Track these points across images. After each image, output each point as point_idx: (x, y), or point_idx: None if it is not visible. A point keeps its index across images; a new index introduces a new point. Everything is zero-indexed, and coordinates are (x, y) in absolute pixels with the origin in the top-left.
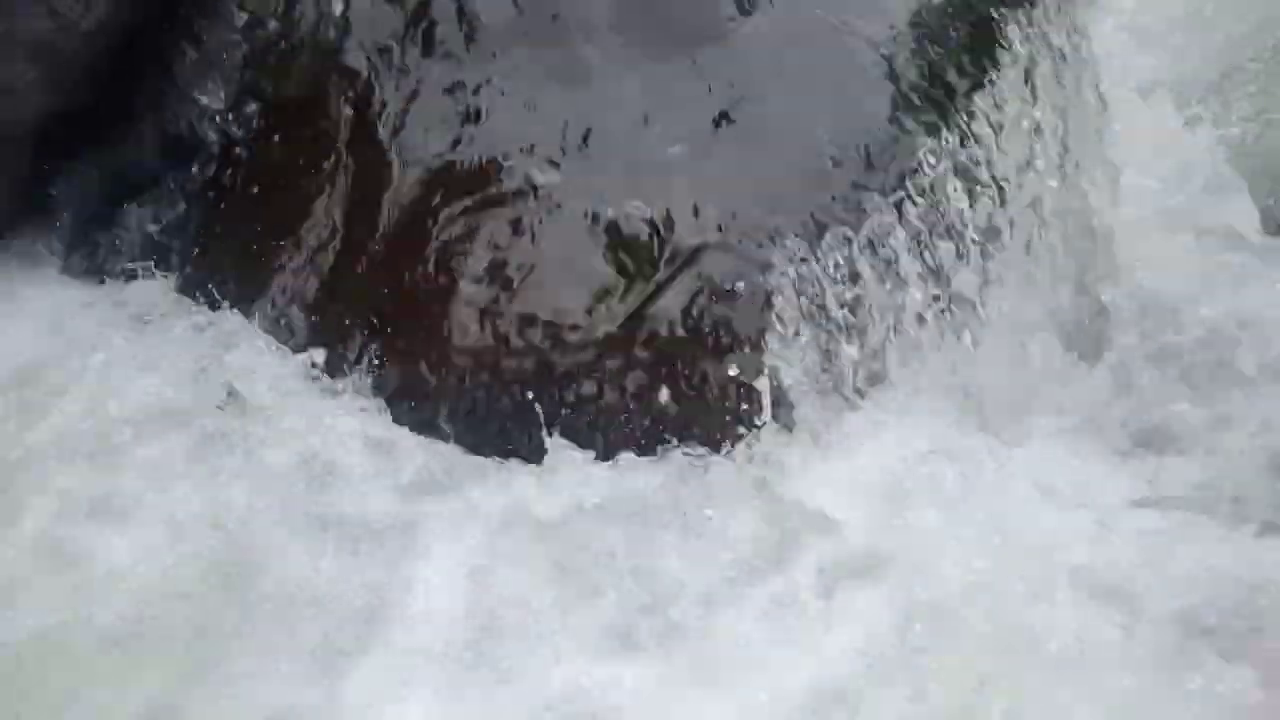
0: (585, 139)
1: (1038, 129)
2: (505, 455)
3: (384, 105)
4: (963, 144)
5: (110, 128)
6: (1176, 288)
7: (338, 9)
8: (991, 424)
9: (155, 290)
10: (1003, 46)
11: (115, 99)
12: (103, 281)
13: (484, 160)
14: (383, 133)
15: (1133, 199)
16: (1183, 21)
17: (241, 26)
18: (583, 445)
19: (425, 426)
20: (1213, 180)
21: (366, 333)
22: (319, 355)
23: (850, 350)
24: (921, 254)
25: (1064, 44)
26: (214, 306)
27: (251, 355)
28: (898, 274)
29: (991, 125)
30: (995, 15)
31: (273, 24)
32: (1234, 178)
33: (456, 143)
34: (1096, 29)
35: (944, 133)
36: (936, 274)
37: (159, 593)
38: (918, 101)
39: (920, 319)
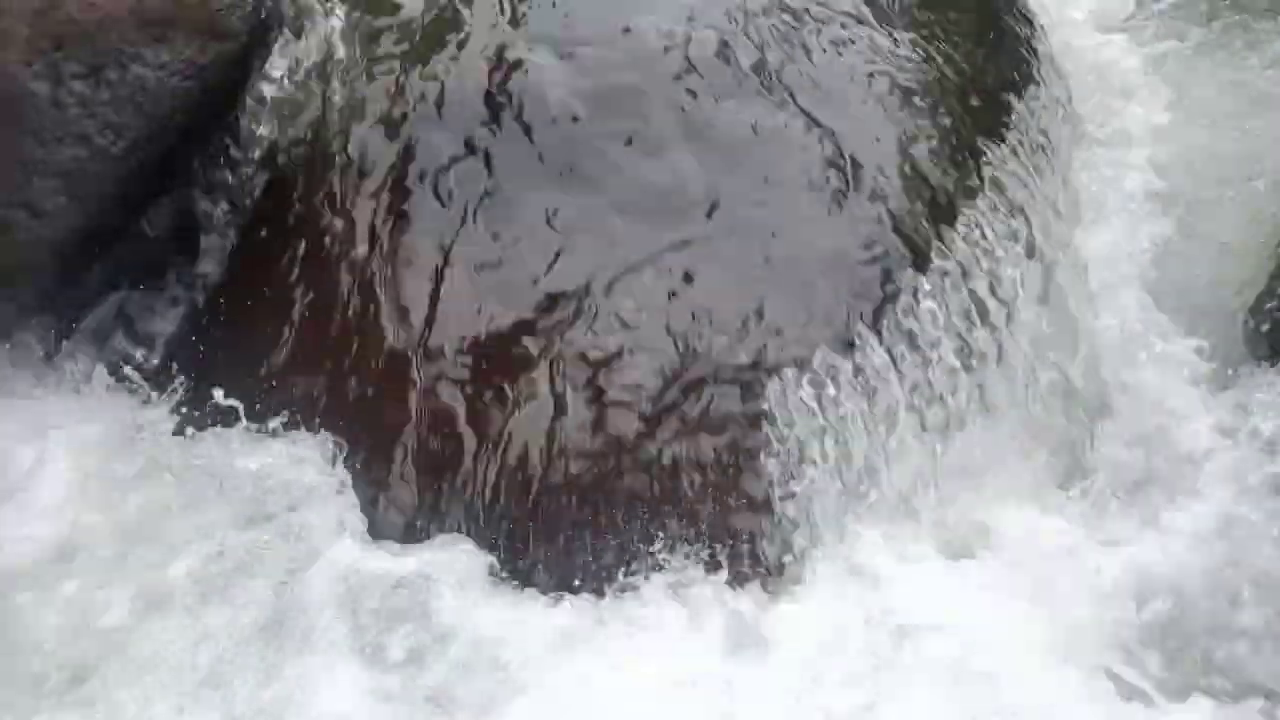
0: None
1: (1022, 250)
2: None
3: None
4: (949, 267)
5: (130, 236)
6: (1161, 407)
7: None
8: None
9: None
10: (988, 166)
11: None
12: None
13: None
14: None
15: (1117, 314)
16: (1168, 134)
17: (262, 145)
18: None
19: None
20: (1197, 298)
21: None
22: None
23: (840, 478)
24: (905, 379)
25: (1048, 169)
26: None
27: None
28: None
29: (977, 247)
30: (980, 141)
31: (290, 147)
32: (1218, 295)
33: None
34: (1082, 148)
35: (930, 257)
36: (923, 398)
37: None
38: (905, 227)
39: (904, 445)
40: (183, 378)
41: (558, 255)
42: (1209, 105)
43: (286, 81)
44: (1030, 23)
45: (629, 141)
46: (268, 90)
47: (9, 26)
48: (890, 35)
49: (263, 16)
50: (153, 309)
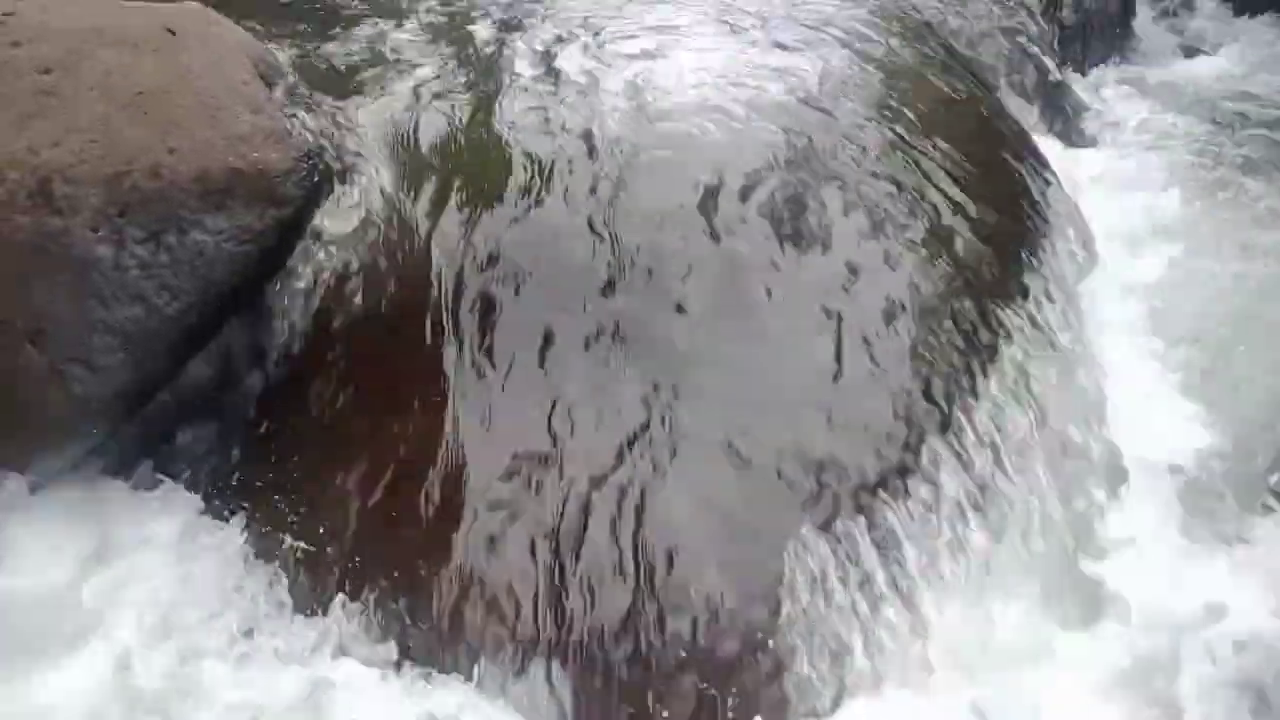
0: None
1: (1033, 423)
2: None
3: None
4: (957, 449)
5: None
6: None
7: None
8: None
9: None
10: (999, 338)
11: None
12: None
13: None
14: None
15: (1137, 499)
16: (1185, 285)
17: (309, 297)
18: None
19: None
20: (1219, 473)
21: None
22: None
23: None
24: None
25: (1061, 335)
26: None
27: None
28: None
29: (982, 430)
30: (989, 306)
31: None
32: (1238, 466)
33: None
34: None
35: (936, 436)
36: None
37: None
38: (913, 402)
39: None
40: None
41: (604, 422)
42: (1222, 263)
43: (335, 237)
44: (1045, 176)
45: (676, 309)
46: (316, 247)
47: (80, 194)
48: (902, 185)
49: (315, 180)
50: (196, 446)
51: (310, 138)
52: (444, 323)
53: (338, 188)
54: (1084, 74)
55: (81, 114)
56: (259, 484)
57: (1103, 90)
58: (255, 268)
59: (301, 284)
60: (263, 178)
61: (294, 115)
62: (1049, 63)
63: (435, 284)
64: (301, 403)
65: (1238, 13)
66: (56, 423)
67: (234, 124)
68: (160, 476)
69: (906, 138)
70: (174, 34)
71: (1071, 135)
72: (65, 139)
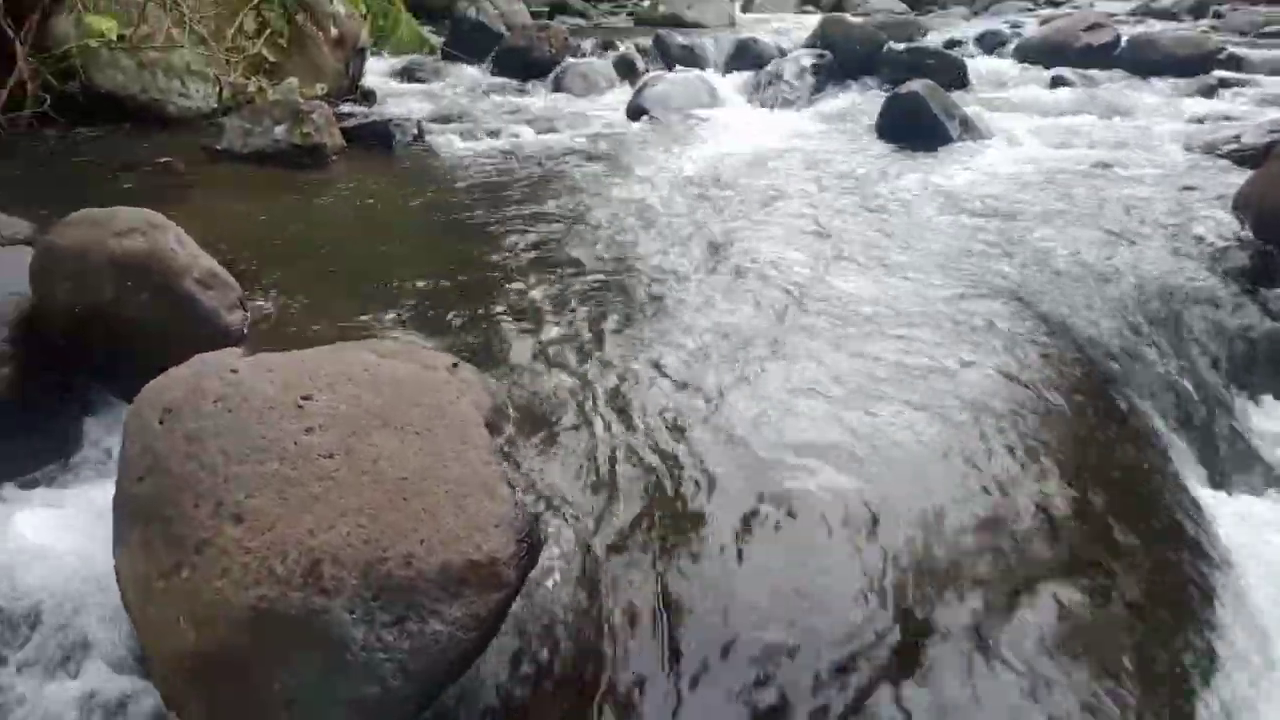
0: None
1: None
2: None
3: None
4: None
5: None
6: None
7: None
8: None
9: None
10: None
11: None
12: None
13: None
14: None
15: None
16: None
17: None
18: None
19: None
20: None
21: None
22: None
23: None
24: None
25: None
26: None
27: None
28: None
29: None
30: None
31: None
32: None
33: None
34: None
35: None
36: None
37: None
38: None
39: None
40: None
41: None
42: None
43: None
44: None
45: None
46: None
47: (343, 576)
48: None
49: (532, 559)
50: None
51: (527, 513)
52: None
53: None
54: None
55: (352, 499)
56: None
57: None
58: (475, 651)
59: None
60: (492, 565)
61: (508, 472)
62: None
63: (630, 652)
64: None
65: None
66: None
67: (476, 512)
68: None
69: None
70: (443, 416)
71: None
72: (338, 523)
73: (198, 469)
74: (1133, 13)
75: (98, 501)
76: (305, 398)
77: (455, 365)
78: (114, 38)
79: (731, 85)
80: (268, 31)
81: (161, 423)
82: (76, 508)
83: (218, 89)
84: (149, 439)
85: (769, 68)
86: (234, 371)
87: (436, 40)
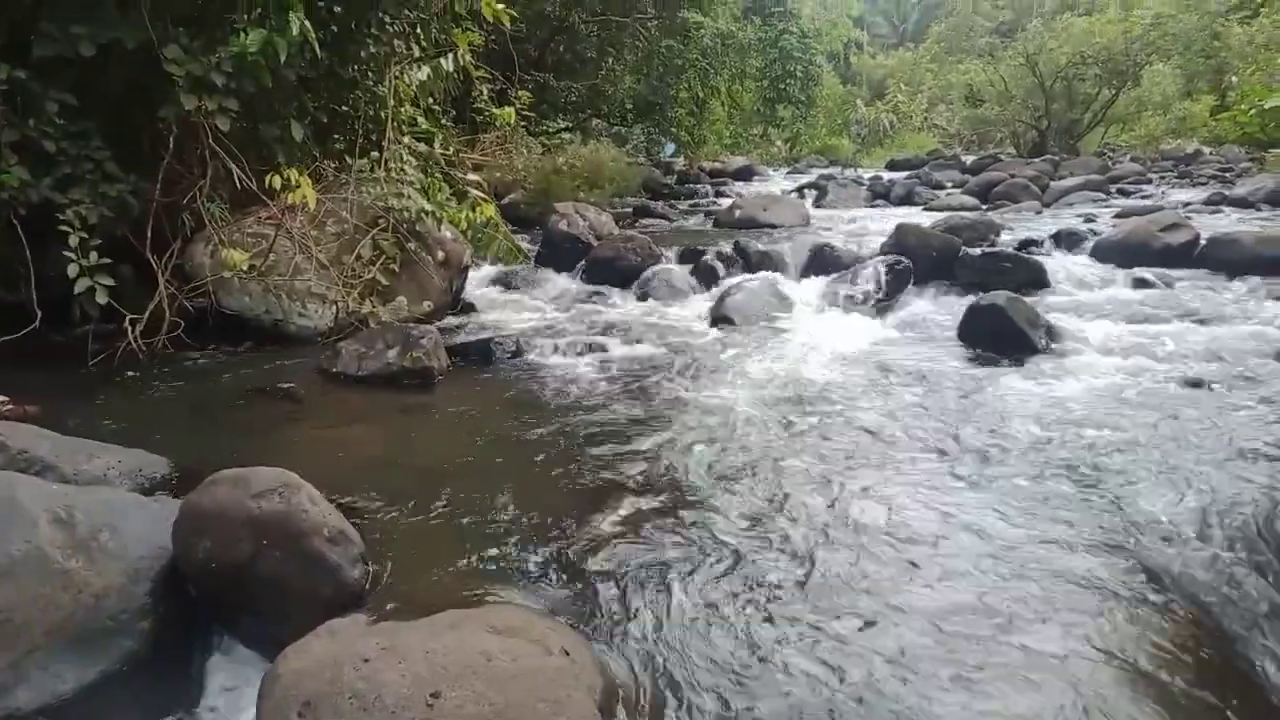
0: None
1: None
2: None
3: None
4: None
5: None
6: None
7: None
8: None
9: None
10: None
11: None
12: None
13: None
14: None
15: None
16: None
17: None
18: None
19: None
20: None
21: None
22: None
23: None
24: None
25: None
26: None
27: None
28: None
29: None
30: None
31: None
32: None
33: None
34: None
35: None
36: None
37: None
38: None
39: None
40: None
41: None
42: None
43: None
44: None
45: None
46: None
47: None
48: None
49: None
50: None
51: None
52: None
53: None
54: None
55: None
56: None
57: None
58: None
59: None
60: None
61: None
62: None
63: None
64: None
65: None
66: None
67: None
68: None
69: None
70: (560, 713)
71: None
72: None
73: None
74: (1208, 201)
75: None
76: (434, 695)
77: (567, 652)
78: (245, 269)
79: (809, 291)
80: (383, 258)
81: (301, 715)
82: None
83: (334, 310)
84: None
85: (846, 273)
86: (366, 661)
87: (530, 248)
